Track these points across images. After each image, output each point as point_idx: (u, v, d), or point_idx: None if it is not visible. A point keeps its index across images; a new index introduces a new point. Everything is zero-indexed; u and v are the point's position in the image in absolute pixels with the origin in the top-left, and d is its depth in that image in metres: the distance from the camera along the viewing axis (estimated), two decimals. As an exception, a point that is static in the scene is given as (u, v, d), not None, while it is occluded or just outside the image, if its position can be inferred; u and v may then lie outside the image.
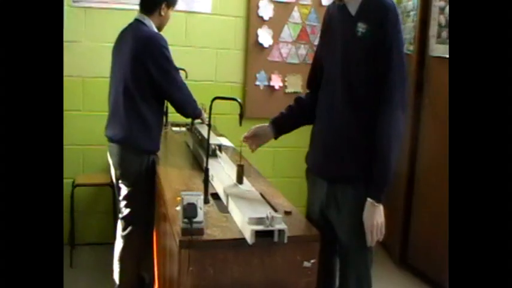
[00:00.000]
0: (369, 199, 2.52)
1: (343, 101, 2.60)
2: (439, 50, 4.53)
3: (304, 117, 2.97)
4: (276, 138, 3.04)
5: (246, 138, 3.00)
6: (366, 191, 2.55)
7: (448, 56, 4.37)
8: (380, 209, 2.57)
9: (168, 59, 3.62)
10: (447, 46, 4.40)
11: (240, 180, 2.95)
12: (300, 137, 5.49)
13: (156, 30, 3.70)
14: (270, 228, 2.30)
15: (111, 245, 4.00)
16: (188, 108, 3.81)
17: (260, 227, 2.31)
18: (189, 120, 4.16)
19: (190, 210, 2.34)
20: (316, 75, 2.86)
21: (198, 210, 2.36)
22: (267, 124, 3.00)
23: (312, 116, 2.86)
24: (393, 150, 2.49)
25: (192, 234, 2.33)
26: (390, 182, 2.55)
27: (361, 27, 2.49)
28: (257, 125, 3.00)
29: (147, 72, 3.56)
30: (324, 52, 2.78)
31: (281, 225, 2.33)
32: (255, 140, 3.00)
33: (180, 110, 3.80)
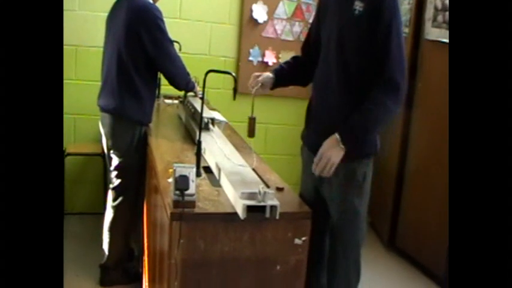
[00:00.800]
0: (336, 135, 2.51)
1: (338, 80, 2.61)
2: (435, 33, 4.52)
3: (299, 76, 3.04)
4: (272, 89, 3.04)
5: (257, 81, 2.95)
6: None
7: (443, 40, 4.38)
8: (340, 152, 2.50)
9: (162, 30, 3.60)
10: (442, 30, 4.40)
11: (251, 134, 2.95)
12: (291, 115, 5.56)
13: (151, 1, 3.68)
14: (262, 203, 2.31)
15: (101, 214, 4.01)
16: (181, 80, 3.80)
17: (252, 202, 2.32)
18: (181, 92, 4.15)
19: (182, 183, 2.35)
20: (309, 44, 2.92)
21: (190, 182, 2.36)
22: (268, 73, 2.98)
23: (303, 78, 2.99)
24: (379, 122, 2.55)
25: (183, 206, 2.34)
26: (363, 137, 2.57)
27: (358, 6, 2.48)
28: (262, 74, 2.96)
29: (140, 43, 3.54)
30: (321, 30, 2.78)
31: (273, 201, 2.34)
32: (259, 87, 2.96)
33: (172, 82, 3.79)
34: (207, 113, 3.72)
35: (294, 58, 3.06)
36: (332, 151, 2.49)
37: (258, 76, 2.92)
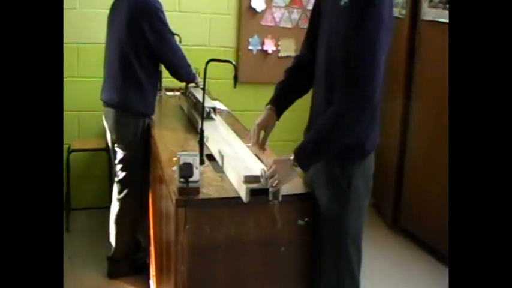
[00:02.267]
0: (292, 156, 2.31)
1: (325, 76, 2.43)
2: (431, 13, 4.54)
3: (300, 88, 2.80)
4: (278, 119, 2.80)
5: (257, 144, 2.67)
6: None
7: (440, 19, 4.40)
8: (292, 172, 2.33)
9: (163, 22, 3.63)
10: (439, 10, 4.41)
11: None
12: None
13: None
14: (266, 186, 2.34)
15: (107, 209, 4.05)
16: (182, 71, 3.83)
17: (255, 185, 2.35)
18: (183, 84, 4.17)
19: (186, 170, 2.38)
20: (308, 40, 2.71)
21: (194, 169, 2.40)
22: (264, 113, 2.74)
23: (306, 86, 2.74)
24: (333, 140, 2.28)
25: (188, 193, 2.37)
26: (318, 157, 2.34)
27: None
28: (256, 123, 2.69)
29: (142, 35, 3.57)
30: (318, 26, 2.55)
31: None
32: (264, 136, 2.71)
33: (174, 73, 3.82)
34: (209, 103, 3.75)
35: (287, 71, 2.80)
36: (282, 170, 2.32)
37: (259, 128, 2.67)
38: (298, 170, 2.32)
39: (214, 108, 3.68)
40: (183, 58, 3.80)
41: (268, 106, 2.74)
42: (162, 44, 3.63)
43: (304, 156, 2.31)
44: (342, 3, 2.23)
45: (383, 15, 2.17)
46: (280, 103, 2.77)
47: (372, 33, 2.16)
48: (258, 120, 2.68)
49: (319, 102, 2.51)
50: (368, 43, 2.17)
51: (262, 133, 2.69)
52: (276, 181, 2.31)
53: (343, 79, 2.24)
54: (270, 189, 2.34)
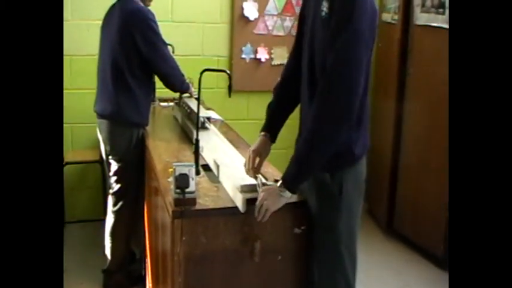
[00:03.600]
0: (279, 182, 2.33)
1: (308, 89, 2.42)
2: (423, 18, 4.55)
3: (290, 105, 2.73)
4: (273, 142, 2.80)
5: (253, 169, 2.59)
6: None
7: (432, 24, 4.41)
8: (280, 199, 2.32)
9: (155, 32, 3.62)
10: (432, 14, 4.43)
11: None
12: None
13: (143, 5, 3.69)
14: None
15: (101, 221, 4.04)
16: (176, 82, 3.82)
17: (251, 195, 2.35)
18: (176, 95, 4.17)
19: (182, 181, 2.37)
20: (295, 49, 2.66)
21: (190, 180, 2.39)
22: (258, 140, 2.72)
23: (295, 101, 2.66)
24: (312, 158, 2.26)
25: (184, 204, 2.37)
26: (302, 177, 2.33)
27: (324, 7, 2.22)
28: (251, 149, 2.66)
29: (135, 46, 3.56)
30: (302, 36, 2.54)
31: None
32: (259, 162, 2.66)
33: (167, 83, 3.81)
34: (203, 112, 3.74)
35: (275, 91, 2.75)
36: (270, 199, 2.31)
37: (254, 154, 2.63)
38: (288, 194, 2.31)
39: (208, 118, 3.67)
40: (177, 68, 3.79)
41: (262, 133, 2.73)
42: (155, 55, 3.62)
43: (290, 180, 2.30)
44: (323, 13, 2.22)
45: (361, 28, 2.15)
46: (272, 128, 2.75)
47: (348, 46, 2.14)
48: (252, 147, 2.66)
49: (305, 111, 2.49)
50: (343, 56, 2.15)
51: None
52: (265, 209, 2.30)
53: (319, 90, 2.23)
54: (258, 219, 2.32)
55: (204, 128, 3.57)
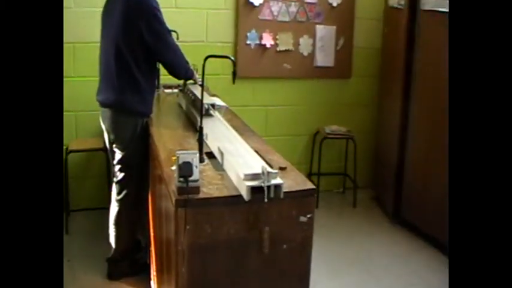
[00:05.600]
0: None
1: None
2: (431, 3, 4.49)
3: None
4: None
5: None
6: None
7: (440, 9, 4.36)
8: None
9: (160, 20, 3.56)
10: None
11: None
12: (290, 96, 5.56)
13: None
14: (266, 183, 2.29)
15: (106, 209, 4.01)
16: (181, 70, 3.78)
17: (256, 183, 2.30)
18: (181, 81, 4.13)
19: (186, 169, 2.34)
20: None
21: (194, 168, 2.35)
22: None
23: None
24: None
25: (188, 193, 2.33)
26: None
27: None
28: None
29: (139, 34, 3.51)
30: None
31: (277, 181, 2.33)
32: None
33: (172, 71, 3.77)
34: (208, 99, 3.70)
35: None
36: None
37: None
38: None
39: (213, 105, 3.63)
40: (181, 56, 3.75)
41: None
42: (160, 44, 3.57)
43: None
44: None
45: None
46: None
47: None
48: None
49: None
50: None
51: None
52: None
53: None
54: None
55: (209, 115, 3.53)
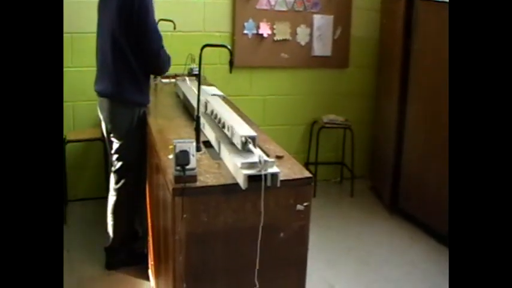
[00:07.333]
0: None
1: None
2: (429, -8, 4.50)
3: None
4: None
5: None
6: None
7: (437, -2, 4.36)
8: None
9: (148, 14, 3.51)
10: (437, -11, 4.38)
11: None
12: (287, 85, 5.56)
13: None
14: (263, 172, 2.30)
15: (104, 199, 4.02)
16: (154, 45, 3.62)
17: (253, 172, 2.31)
18: (178, 71, 4.11)
19: (182, 158, 2.34)
20: None
21: (191, 157, 2.36)
22: None
23: None
24: None
25: (185, 181, 2.33)
26: None
27: None
28: None
29: (131, 25, 3.49)
30: None
31: (274, 169, 2.33)
32: None
33: (147, 48, 3.61)
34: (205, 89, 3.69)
35: None
36: None
37: None
38: None
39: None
40: (159, 37, 3.63)
41: None
42: (141, 31, 3.53)
43: None
44: None
45: None
46: None
47: None
48: None
49: None
50: None
51: None
52: None
53: None
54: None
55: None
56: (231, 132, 2.66)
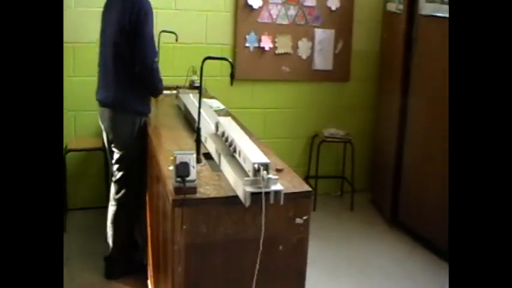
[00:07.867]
0: None
1: None
2: (429, 8, 4.51)
3: None
4: None
5: None
6: None
7: (438, 14, 4.38)
8: None
9: (146, 24, 3.54)
10: (436, 4, 4.39)
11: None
12: (289, 99, 5.57)
13: None
14: (266, 189, 2.30)
15: (104, 208, 4.03)
16: (148, 57, 3.59)
17: (256, 189, 2.31)
18: (180, 83, 4.11)
19: (183, 169, 2.36)
20: None
21: (191, 168, 2.38)
22: None
23: None
24: None
25: (185, 193, 2.35)
26: None
27: None
28: None
29: (132, 35, 3.51)
30: None
31: (277, 186, 2.34)
32: None
33: (140, 59, 3.58)
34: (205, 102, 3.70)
35: None
36: None
37: None
38: None
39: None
40: (153, 47, 3.64)
41: None
42: (137, 43, 3.54)
43: None
44: None
45: None
46: None
47: None
48: None
49: None
50: None
51: None
52: None
53: None
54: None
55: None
56: (243, 159, 2.60)
